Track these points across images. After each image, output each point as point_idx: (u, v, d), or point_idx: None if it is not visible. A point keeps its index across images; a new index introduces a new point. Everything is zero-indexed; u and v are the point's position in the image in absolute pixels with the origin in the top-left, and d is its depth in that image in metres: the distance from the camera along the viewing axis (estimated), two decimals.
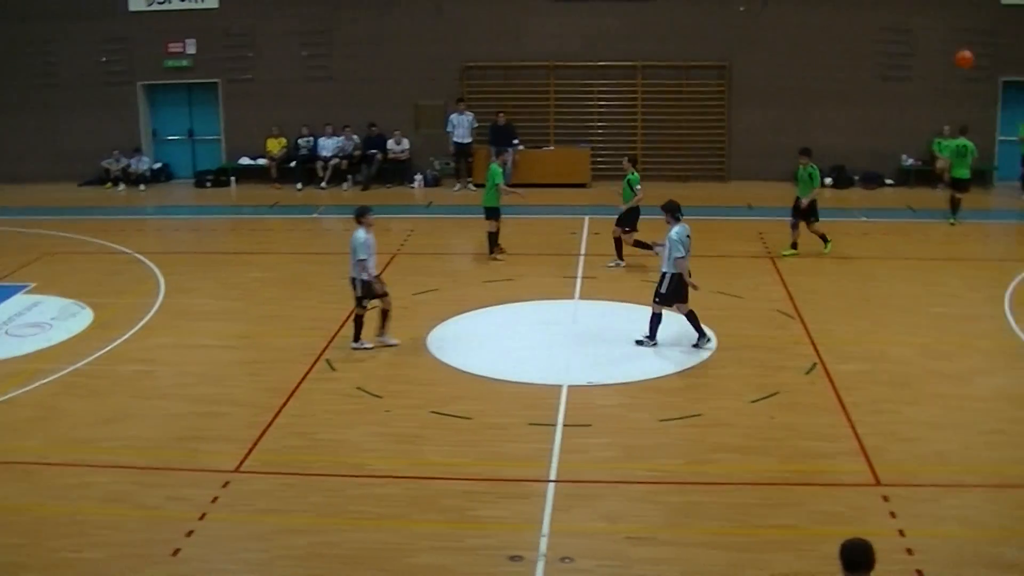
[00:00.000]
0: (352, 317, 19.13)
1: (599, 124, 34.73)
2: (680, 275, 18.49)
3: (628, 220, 23.90)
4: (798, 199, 24.80)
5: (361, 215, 18.75)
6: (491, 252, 24.78)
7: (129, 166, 35.38)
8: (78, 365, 18.46)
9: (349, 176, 34.62)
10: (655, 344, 18.75)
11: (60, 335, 20.07)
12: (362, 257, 18.43)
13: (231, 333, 20.34)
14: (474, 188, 33.06)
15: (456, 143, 33.61)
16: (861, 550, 8.41)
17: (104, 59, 35.48)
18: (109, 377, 18.01)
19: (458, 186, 33.97)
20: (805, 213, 24.74)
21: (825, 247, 24.78)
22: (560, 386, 17.07)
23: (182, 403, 16.80)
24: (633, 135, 34.49)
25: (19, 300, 22.27)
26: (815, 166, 24.81)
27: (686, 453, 14.80)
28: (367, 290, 18.74)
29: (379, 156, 34.57)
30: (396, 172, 34.59)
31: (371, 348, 18.90)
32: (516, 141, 33.41)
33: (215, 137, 36.14)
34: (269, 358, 18.77)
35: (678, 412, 16.05)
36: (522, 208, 27.02)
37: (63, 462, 14.75)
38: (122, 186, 35.12)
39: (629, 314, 20.43)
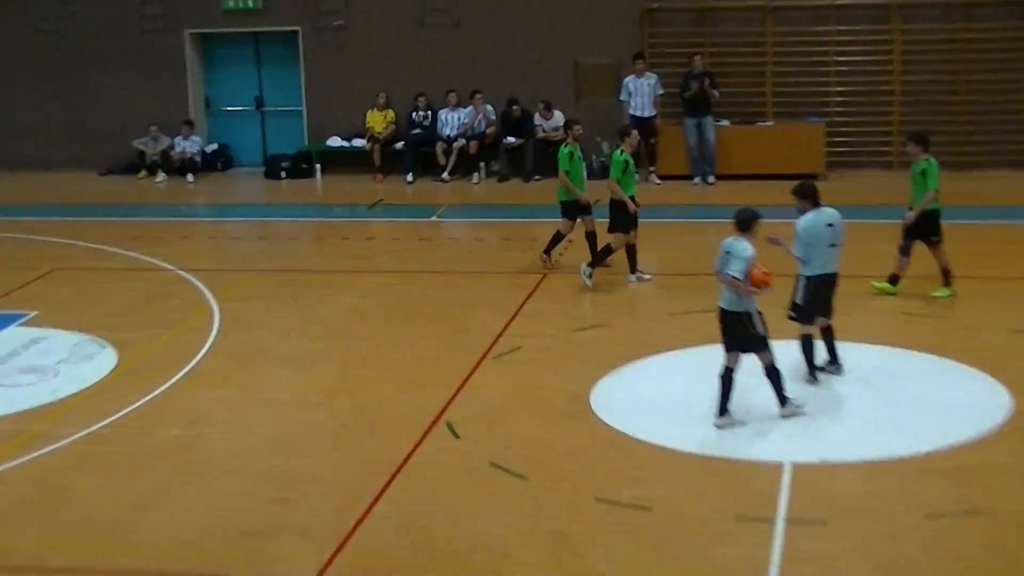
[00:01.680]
0: (768, 371, 18.08)
1: (837, 89, 34.36)
2: (819, 279, 19.05)
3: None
4: (910, 209, 23.24)
5: (749, 221, 17.95)
6: (546, 251, 25.62)
7: (172, 148, 35.70)
8: (95, 428, 18.39)
9: (481, 164, 34.62)
10: (839, 370, 19.42)
11: (70, 385, 20.07)
12: (735, 274, 17.50)
13: (312, 384, 20.26)
14: (659, 182, 32.96)
15: (633, 116, 33.41)
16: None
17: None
18: (140, 445, 17.90)
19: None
20: (919, 230, 23.21)
21: (942, 290, 23.44)
22: (780, 464, 16.74)
23: (243, 482, 16.68)
24: (888, 103, 34.06)
25: (14, 334, 22.48)
26: (931, 159, 23.12)
27: (967, 567, 14.27)
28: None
29: (513, 144, 34.55)
30: (547, 158, 34.21)
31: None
32: (716, 91, 33.61)
33: (294, 109, 36.39)
34: (365, 420, 18.67)
35: (953, 505, 15.59)
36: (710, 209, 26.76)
37: (73, 566, 14.63)
38: (162, 176, 35.58)
39: (881, 362, 20.23)
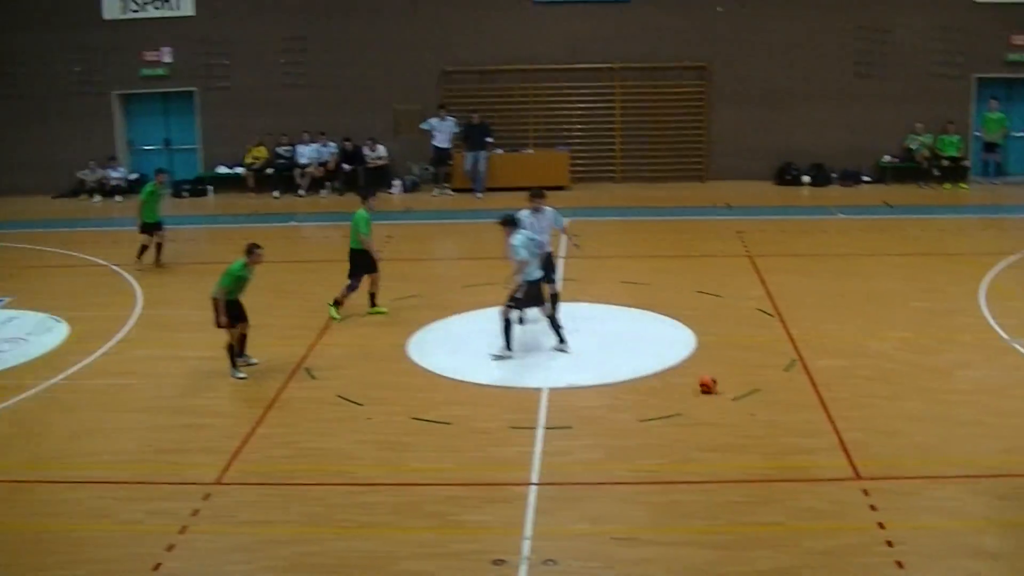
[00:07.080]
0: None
1: (578, 126, 34.79)
2: (532, 281, 18.48)
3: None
4: None
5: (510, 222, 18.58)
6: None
7: (106, 177, 35.18)
8: (55, 380, 18.14)
9: (327, 183, 34.56)
10: (511, 354, 18.44)
11: (37, 349, 19.70)
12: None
13: (210, 344, 19.21)
14: (452, 194, 33.22)
15: (436, 147, 33.64)
16: None
17: (78, 69, 35.31)
18: (87, 391, 17.66)
19: (436, 191, 34.06)
20: None
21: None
22: (540, 389, 16.97)
23: (161, 416, 16.55)
24: (611, 137, 34.56)
25: None
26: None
27: (668, 453, 14.74)
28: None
29: (348, 169, 34.64)
30: (375, 178, 34.28)
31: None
32: (490, 139, 33.63)
33: (192, 146, 36.03)
34: (249, 368, 18.45)
35: (659, 412, 15.99)
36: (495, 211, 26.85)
37: (42, 479, 14.52)
38: (98, 197, 34.96)
39: (606, 315, 20.58)
